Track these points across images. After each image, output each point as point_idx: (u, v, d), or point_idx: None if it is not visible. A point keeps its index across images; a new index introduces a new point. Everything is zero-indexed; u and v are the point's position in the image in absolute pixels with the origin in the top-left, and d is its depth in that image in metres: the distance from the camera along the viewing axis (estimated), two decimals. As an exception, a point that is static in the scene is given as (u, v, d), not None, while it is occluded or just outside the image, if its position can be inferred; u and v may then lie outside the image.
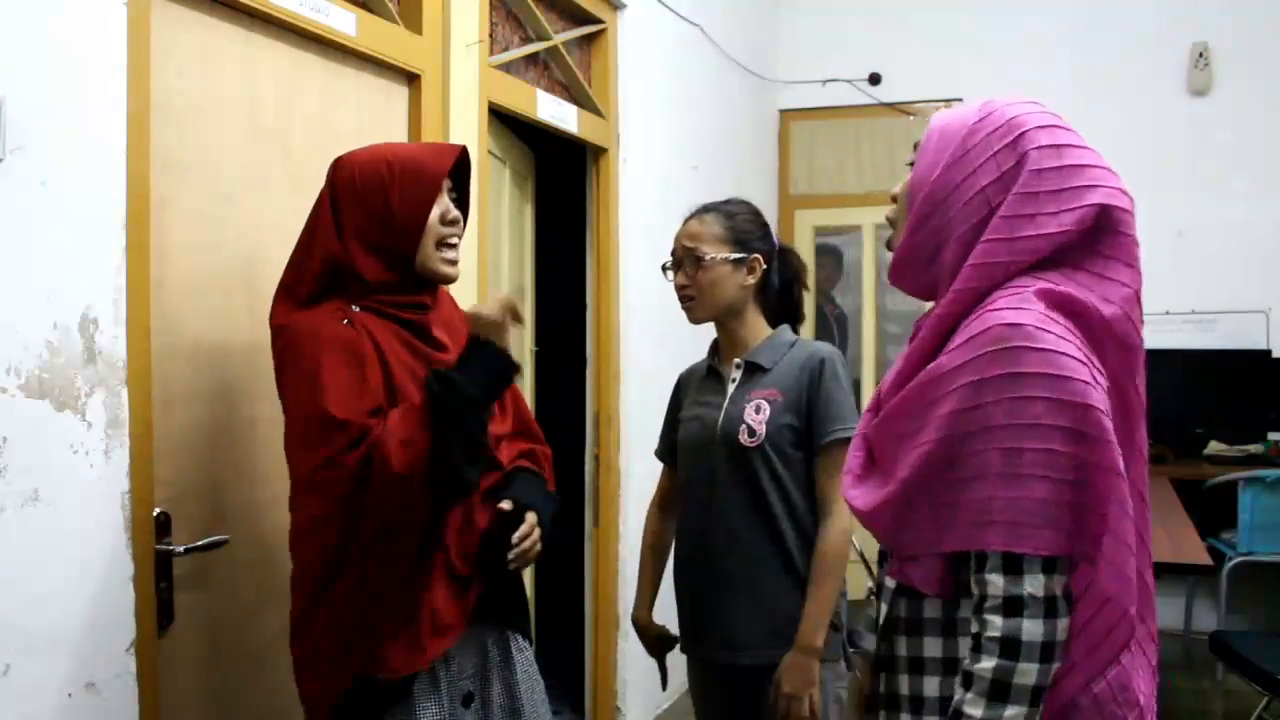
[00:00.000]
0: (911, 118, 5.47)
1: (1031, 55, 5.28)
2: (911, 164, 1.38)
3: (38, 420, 1.59)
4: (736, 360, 2.13)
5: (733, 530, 2.08)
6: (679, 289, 2.15)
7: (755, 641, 2.07)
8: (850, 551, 2.08)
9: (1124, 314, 1.28)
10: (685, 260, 2.14)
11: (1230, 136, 5.09)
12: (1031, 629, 1.19)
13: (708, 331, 2.27)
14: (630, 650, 3.64)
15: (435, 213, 1.73)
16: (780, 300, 2.20)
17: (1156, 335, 5.16)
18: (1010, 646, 1.19)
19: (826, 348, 2.13)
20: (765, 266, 2.14)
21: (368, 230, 1.70)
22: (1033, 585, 1.20)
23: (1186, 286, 5.13)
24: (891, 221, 1.44)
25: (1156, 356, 5.27)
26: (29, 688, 1.57)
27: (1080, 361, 1.22)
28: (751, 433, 2.06)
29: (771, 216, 4.73)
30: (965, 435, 1.23)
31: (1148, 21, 5.20)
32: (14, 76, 1.56)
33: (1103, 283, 1.28)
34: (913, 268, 1.37)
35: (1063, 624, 1.21)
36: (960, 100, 5.33)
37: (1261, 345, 5.00)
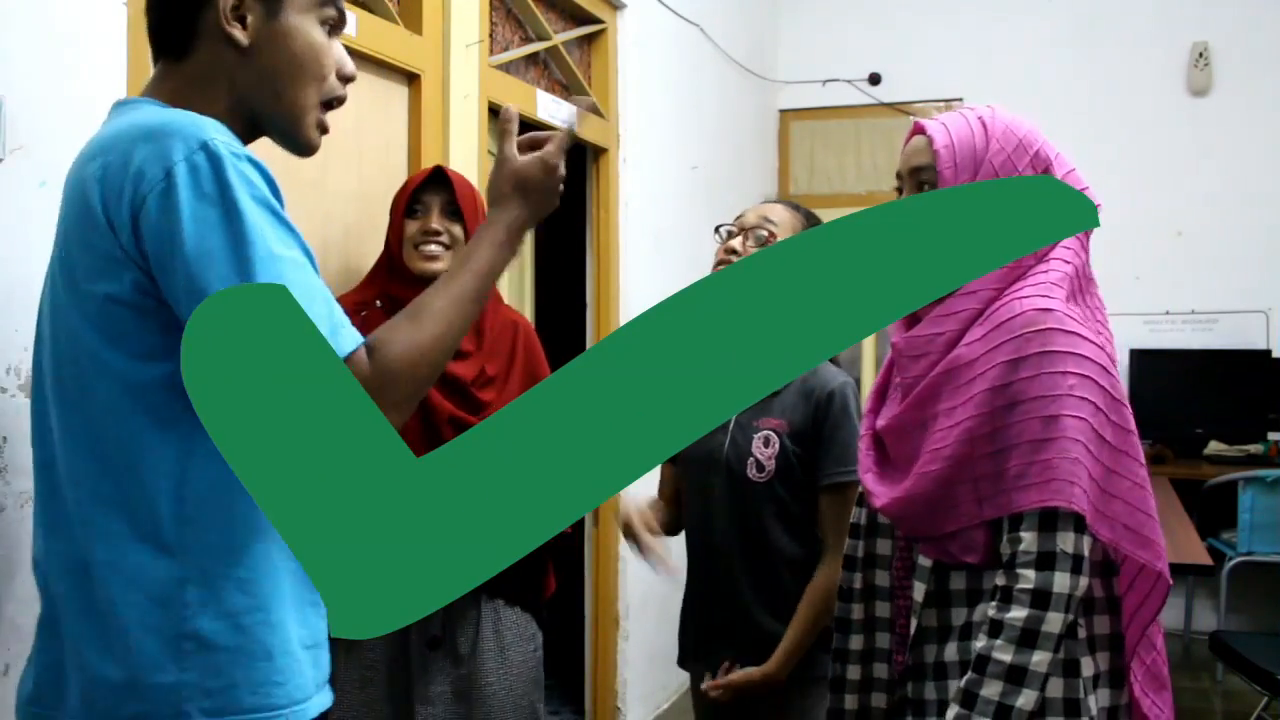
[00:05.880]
0: (911, 118, 5.47)
1: (1031, 55, 5.28)
2: (924, 183, 1.47)
3: (38, 420, 1.59)
4: None
5: (729, 566, 1.98)
6: (727, 253, 1.99)
7: (749, 661, 1.99)
8: None
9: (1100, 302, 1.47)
10: (750, 233, 1.98)
11: (1230, 136, 5.09)
12: (1061, 582, 1.30)
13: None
14: (630, 650, 3.64)
15: (416, 225, 2.10)
16: None
17: (1156, 335, 5.17)
18: (1041, 598, 1.30)
19: (839, 377, 2.00)
20: None
21: (388, 237, 2.14)
22: (1064, 542, 1.31)
23: (1186, 286, 5.13)
24: None
25: (1156, 356, 5.31)
26: (29, 688, 1.57)
27: (1099, 346, 1.37)
28: (760, 468, 1.94)
29: (771, 216, 4.72)
30: (1004, 408, 1.34)
31: (1148, 21, 5.19)
32: (14, 76, 1.56)
33: (1079, 252, 1.45)
34: None
35: (1083, 581, 1.32)
36: (960, 100, 5.37)
37: (1261, 345, 5.00)
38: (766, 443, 1.94)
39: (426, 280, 2.00)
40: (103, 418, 1.12)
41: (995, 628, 1.32)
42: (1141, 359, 5.06)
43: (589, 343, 3.62)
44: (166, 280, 1.06)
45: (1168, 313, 5.16)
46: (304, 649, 1.15)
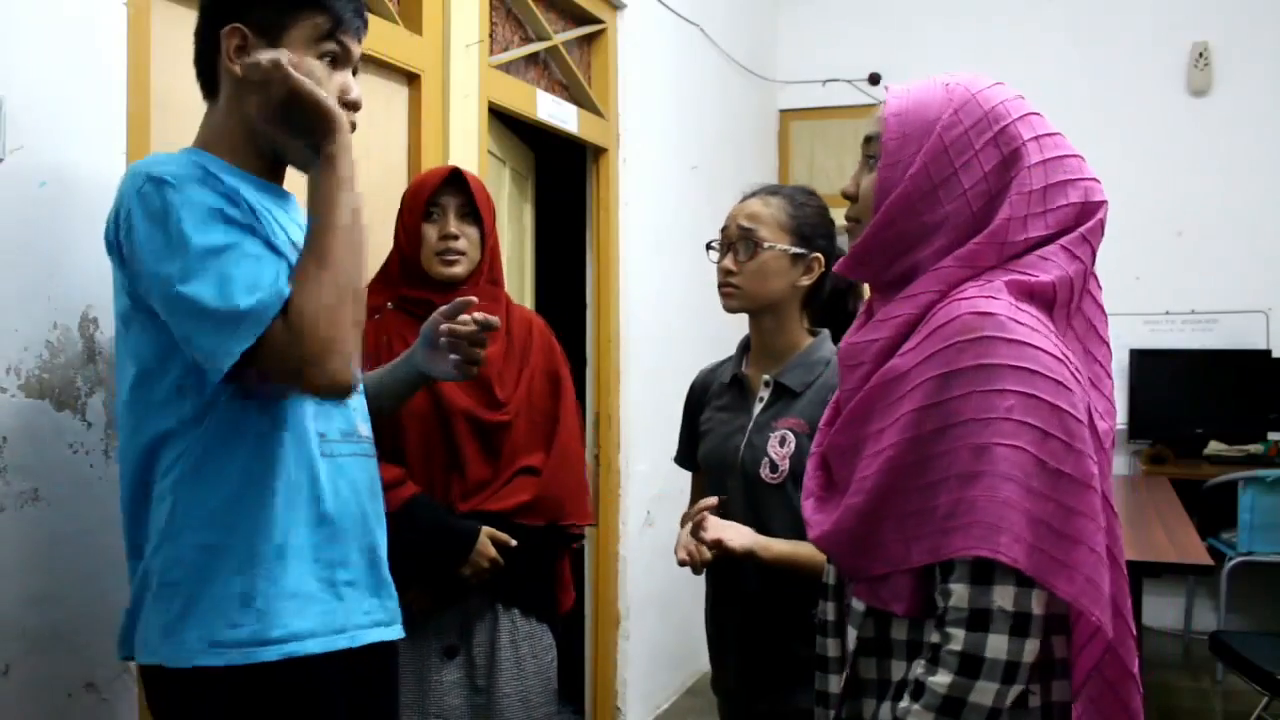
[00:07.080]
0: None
1: (1031, 55, 5.28)
2: (872, 158, 1.27)
3: (38, 420, 1.59)
4: (765, 378, 1.87)
5: (746, 580, 1.84)
6: (723, 273, 1.87)
7: (774, 686, 1.86)
8: None
9: (1083, 290, 1.22)
10: (738, 243, 1.85)
11: (1230, 136, 5.09)
12: (996, 645, 1.09)
13: (713, 332, 2.23)
14: (630, 650, 3.64)
15: (434, 229, 2.06)
16: (829, 310, 1.96)
17: (1156, 335, 5.18)
18: (970, 663, 1.10)
19: None
20: (824, 270, 1.87)
21: (399, 238, 2.11)
22: (1002, 598, 1.10)
23: (1186, 286, 5.13)
24: (854, 220, 1.30)
25: (1156, 356, 5.31)
26: (29, 687, 1.57)
27: (1056, 358, 1.13)
28: (774, 468, 1.82)
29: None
30: (932, 434, 1.13)
31: (1148, 21, 5.20)
32: (14, 76, 1.57)
33: (1071, 260, 1.20)
34: (872, 264, 1.27)
35: (1031, 645, 1.10)
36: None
37: (1261, 345, 5.00)
38: (782, 442, 1.83)
39: (443, 283, 2.06)
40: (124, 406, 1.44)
41: (918, 691, 1.12)
42: (1141, 359, 5.07)
43: (589, 343, 3.63)
44: (143, 289, 1.33)
45: (1168, 313, 5.16)
46: (244, 607, 1.36)
